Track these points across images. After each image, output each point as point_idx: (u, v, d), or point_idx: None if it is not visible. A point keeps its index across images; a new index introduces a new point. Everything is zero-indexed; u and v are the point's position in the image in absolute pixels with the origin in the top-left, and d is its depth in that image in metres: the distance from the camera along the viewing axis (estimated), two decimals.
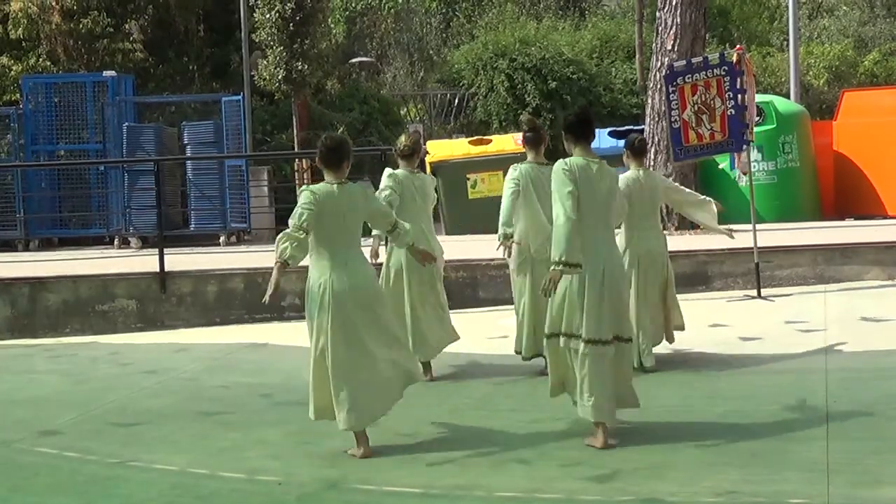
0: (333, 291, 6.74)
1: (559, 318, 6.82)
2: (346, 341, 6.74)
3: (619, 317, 6.87)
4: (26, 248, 17.54)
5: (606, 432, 6.73)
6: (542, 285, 6.73)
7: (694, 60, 12.47)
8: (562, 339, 6.79)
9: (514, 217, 8.51)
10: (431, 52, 30.89)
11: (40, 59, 21.21)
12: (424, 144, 17.62)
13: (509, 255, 8.60)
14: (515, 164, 8.74)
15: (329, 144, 7.01)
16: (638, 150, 9.02)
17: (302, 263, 7.03)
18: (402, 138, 9.25)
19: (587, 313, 6.71)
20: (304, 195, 6.85)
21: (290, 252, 6.67)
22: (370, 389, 6.79)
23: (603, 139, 16.39)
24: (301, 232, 6.72)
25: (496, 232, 9.14)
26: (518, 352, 8.87)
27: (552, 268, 6.64)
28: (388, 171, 9.01)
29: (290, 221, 6.78)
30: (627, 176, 8.82)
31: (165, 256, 12.71)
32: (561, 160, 6.88)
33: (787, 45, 23.88)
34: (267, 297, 6.76)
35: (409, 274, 8.80)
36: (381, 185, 8.83)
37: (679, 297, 10.53)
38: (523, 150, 9.12)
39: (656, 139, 14.61)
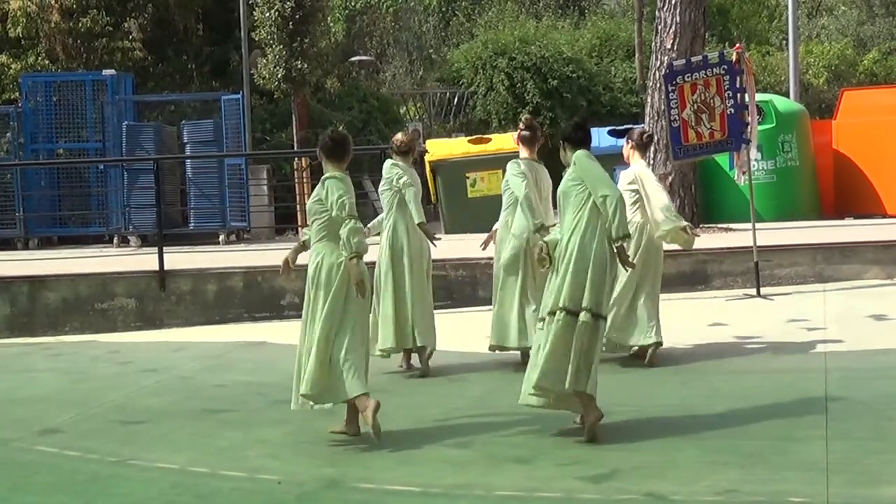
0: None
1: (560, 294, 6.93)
2: (362, 316, 7.11)
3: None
4: (26, 247, 17.55)
5: None
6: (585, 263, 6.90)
7: (693, 59, 12.46)
8: (583, 315, 6.87)
9: (535, 211, 8.61)
10: (431, 50, 30.89)
11: (39, 58, 21.19)
12: (424, 143, 17.65)
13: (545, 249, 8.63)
14: (515, 160, 8.85)
15: (334, 138, 7.35)
16: (646, 144, 9.21)
17: (301, 263, 7.11)
18: (399, 135, 9.47)
19: (594, 287, 6.88)
20: (334, 184, 7.08)
21: (364, 244, 7.01)
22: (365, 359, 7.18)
23: (602, 138, 16.37)
24: (358, 222, 7.02)
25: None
26: (519, 347, 8.92)
27: (620, 243, 6.95)
28: (390, 161, 9.17)
29: (340, 212, 6.96)
30: (645, 165, 9.05)
31: (165, 255, 12.72)
32: (581, 151, 7.10)
33: (787, 44, 23.88)
34: (364, 293, 7.01)
35: (410, 263, 9.03)
36: (393, 175, 9.07)
37: (679, 295, 10.60)
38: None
39: (656, 138, 14.60)
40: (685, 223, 8.98)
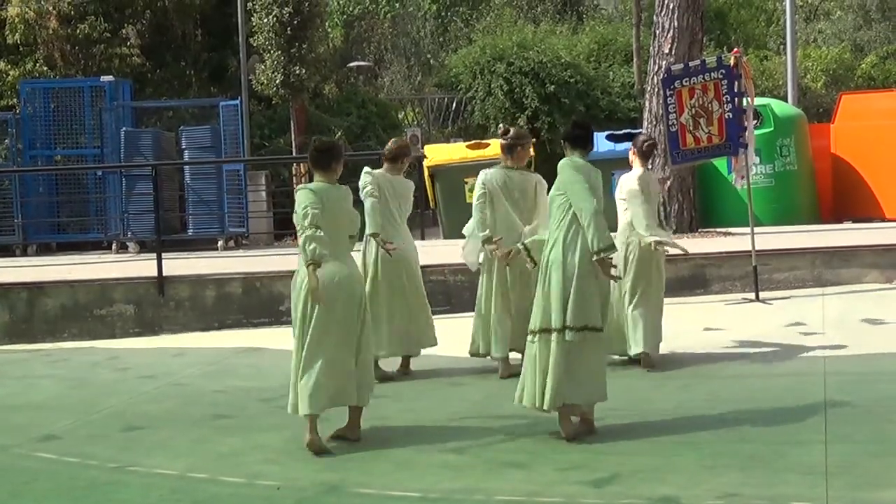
0: (332, 285, 6.97)
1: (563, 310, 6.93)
2: (322, 331, 6.98)
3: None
4: (24, 253, 17.53)
5: None
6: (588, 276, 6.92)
7: (691, 64, 12.47)
8: (568, 334, 6.89)
9: (484, 221, 8.86)
10: (429, 56, 30.91)
11: (37, 64, 21.21)
12: (422, 148, 17.63)
13: (505, 255, 8.72)
14: (484, 170, 9.08)
15: (318, 146, 7.31)
16: (646, 152, 9.19)
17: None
18: (390, 143, 9.59)
19: (578, 301, 6.88)
20: (303, 194, 7.07)
21: (319, 251, 6.92)
22: (328, 381, 6.97)
23: (600, 142, 16.36)
24: (318, 230, 6.94)
25: None
26: (498, 356, 9.00)
27: (600, 256, 6.84)
28: (366, 168, 9.32)
29: (302, 222, 6.96)
30: (638, 175, 9.01)
31: (163, 261, 12.70)
32: (565, 159, 7.08)
33: (785, 49, 23.89)
34: (320, 301, 6.97)
35: (391, 270, 9.07)
36: (361, 183, 9.15)
37: (678, 300, 10.57)
38: None
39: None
40: (654, 239, 8.92)
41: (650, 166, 9.50)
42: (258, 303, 12.43)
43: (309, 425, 6.96)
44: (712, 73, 11.97)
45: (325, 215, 7.00)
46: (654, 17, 15.51)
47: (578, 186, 6.93)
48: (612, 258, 7.06)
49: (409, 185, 9.51)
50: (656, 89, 14.35)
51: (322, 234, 6.93)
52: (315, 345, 6.98)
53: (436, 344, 9.40)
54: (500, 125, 9.44)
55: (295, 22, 19.25)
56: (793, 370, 8.77)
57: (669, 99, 12.14)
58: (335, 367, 7.00)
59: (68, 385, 9.83)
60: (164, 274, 12.61)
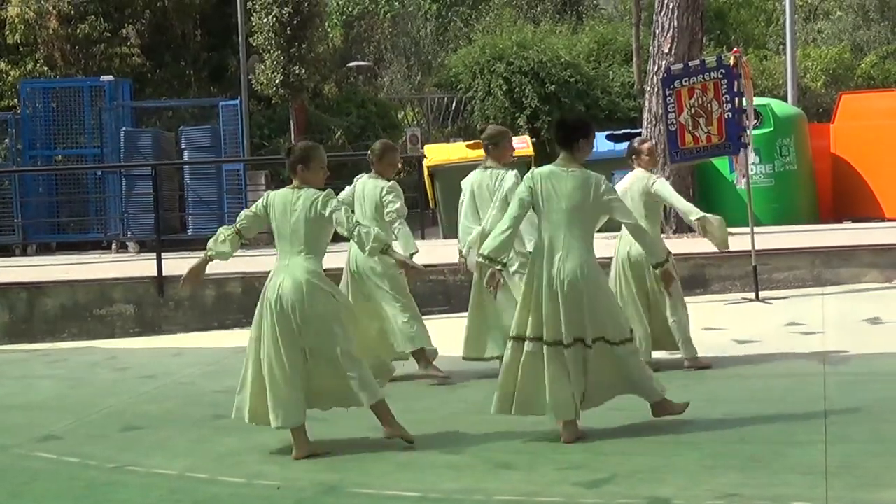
0: (267, 292, 7.01)
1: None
2: (271, 342, 6.95)
3: (580, 320, 6.82)
4: (24, 253, 17.55)
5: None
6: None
7: (691, 64, 12.48)
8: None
9: (464, 230, 8.95)
10: (429, 55, 30.92)
11: (38, 64, 21.23)
12: (422, 148, 17.64)
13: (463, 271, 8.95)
14: (472, 171, 9.02)
15: (287, 149, 7.25)
16: (630, 155, 9.11)
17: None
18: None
19: (538, 314, 6.84)
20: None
21: (210, 245, 7.16)
22: (290, 393, 6.86)
23: (601, 142, 16.39)
24: (231, 230, 7.14)
25: None
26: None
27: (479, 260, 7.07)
28: (360, 174, 9.27)
29: None
30: (626, 178, 9.02)
31: (163, 261, 12.71)
32: (532, 168, 7.17)
33: (784, 49, 23.91)
34: (180, 284, 7.34)
35: (365, 277, 8.96)
36: None
37: None
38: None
39: (654, 142, 14.60)
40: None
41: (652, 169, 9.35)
42: (258, 303, 12.41)
43: (293, 440, 6.93)
44: (712, 73, 11.97)
45: (276, 222, 6.99)
46: (654, 17, 15.52)
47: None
48: (498, 269, 6.97)
49: (377, 185, 8.95)
50: (656, 89, 14.35)
51: (230, 233, 7.10)
52: (264, 359, 6.98)
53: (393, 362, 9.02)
54: (478, 125, 9.41)
55: (295, 22, 19.26)
56: (793, 370, 8.76)
57: (669, 98, 12.15)
58: (285, 380, 6.87)
59: (67, 385, 9.83)
60: (164, 274, 12.62)
